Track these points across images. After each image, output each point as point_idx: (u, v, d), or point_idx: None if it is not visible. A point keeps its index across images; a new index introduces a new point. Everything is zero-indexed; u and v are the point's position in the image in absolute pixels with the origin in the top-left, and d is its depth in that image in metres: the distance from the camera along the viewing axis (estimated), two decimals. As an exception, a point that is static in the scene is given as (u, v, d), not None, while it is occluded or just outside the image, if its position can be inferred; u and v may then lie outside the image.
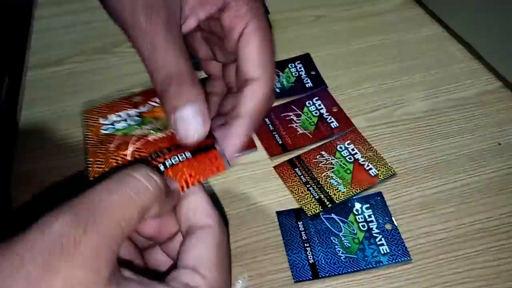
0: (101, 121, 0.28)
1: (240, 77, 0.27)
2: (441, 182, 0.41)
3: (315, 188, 0.41)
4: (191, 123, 0.23)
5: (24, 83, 0.53)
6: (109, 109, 0.29)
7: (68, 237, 0.18)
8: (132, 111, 0.29)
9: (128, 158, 0.25)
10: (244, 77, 0.27)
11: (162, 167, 0.24)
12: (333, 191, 0.40)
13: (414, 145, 0.44)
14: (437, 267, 0.36)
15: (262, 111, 0.27)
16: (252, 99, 0.26)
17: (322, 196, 0.40)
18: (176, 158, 0.24)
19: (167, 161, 0.24)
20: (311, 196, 0.40)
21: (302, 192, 0.41)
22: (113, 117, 0.28)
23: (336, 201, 0.40)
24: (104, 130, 0.28)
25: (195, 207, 0.25)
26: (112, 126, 0.28)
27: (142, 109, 0.29)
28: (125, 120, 0.28)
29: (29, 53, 0.57)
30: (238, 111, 0.27)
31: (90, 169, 0.25)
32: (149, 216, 0.21)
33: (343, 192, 0.40)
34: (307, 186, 0.41)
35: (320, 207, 0.39)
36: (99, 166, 0.25)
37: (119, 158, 0.25)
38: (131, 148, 0.25)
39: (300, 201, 0.40)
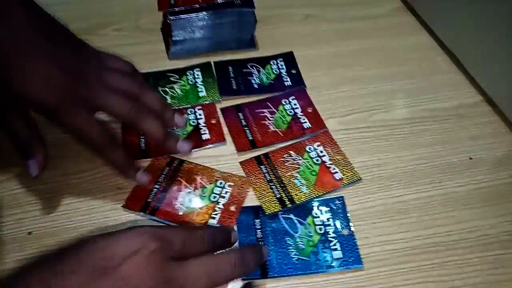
0: None
1: None
2: (405, 191, 0.40)
3: (278, 187, 0.40)
4: None
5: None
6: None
7: None
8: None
9: None
10: None
11: None
12: (295, 192, 0.40)
13: (384, 152, 0.44)
14: (388, 277, 0.35)
15: None
16: None
17: (283, 195, 0.40)
18: None
19: None
20: (273, 194, 0.40)
21: (264, 190, 0.40)
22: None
23: (297, 202, 0.39)
24: None
25: None
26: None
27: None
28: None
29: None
30: None
31: None
32: None
33: (305, 194, 0.40)
34: (270, 184, 0.41)
35: (280, 206, 0.39)
36: None
37: None
38: None
39: (261, 199, 0.40)
